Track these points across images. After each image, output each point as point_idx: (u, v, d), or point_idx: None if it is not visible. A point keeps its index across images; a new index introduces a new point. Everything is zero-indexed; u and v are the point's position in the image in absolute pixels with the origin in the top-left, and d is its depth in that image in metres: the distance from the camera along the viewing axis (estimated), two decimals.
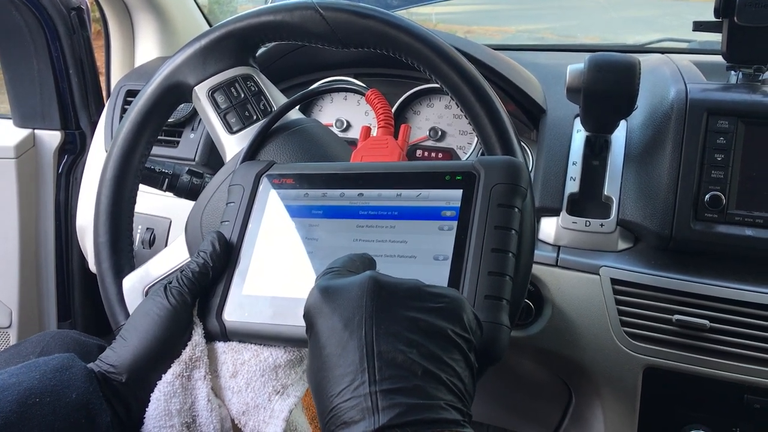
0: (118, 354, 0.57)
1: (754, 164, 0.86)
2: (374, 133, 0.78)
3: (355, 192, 0.63)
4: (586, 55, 0.86)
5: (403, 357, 0.42)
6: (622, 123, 0.97)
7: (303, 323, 0.57)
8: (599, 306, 0.89)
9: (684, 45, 1.39)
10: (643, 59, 1.02)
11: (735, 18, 0.88)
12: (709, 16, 0.93)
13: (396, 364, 0.42)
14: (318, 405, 0.45)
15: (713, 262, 0.88)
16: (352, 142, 0.98)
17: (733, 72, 0.96)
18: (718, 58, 0.97)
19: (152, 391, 0.57)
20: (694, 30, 0.95)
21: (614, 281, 0.88)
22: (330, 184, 0.64)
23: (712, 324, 0.85)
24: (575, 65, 0.87)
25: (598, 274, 0.89)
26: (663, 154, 0.89)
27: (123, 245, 0.76)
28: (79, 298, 1.49)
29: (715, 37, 0.95)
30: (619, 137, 0.96)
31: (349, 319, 0.45)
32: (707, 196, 0.85)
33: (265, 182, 0.67)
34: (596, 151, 0.96)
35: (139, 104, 0.76)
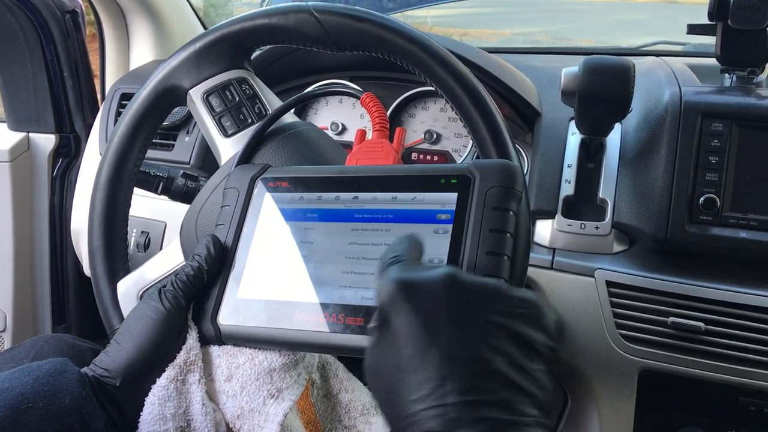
0: (112, 358, 0.57)
1: (749, 167, 0.86)
2: (369, 136, 0.78)
3: (350, 195, 0.62)
4: (581, 58, 0.86)
5: (489, 366, 0.40)
6: (617, 126, 0.97)
7: (297, 327, 0.57)
8: (594, 308, 0.89)
9: (678, 48, 1.39)
10: (638, 62, 1.02)
11: (729, 21, 0.88)
12: (703, 19, 0.93)
13: (484, 373, 0.40)
14: (389, 408, 0.42)
15: (708, 265, 0.88)
16: (348, 145, 0.99)
17: (727, 75, 0.96)
18: (713, 61, 0.97)
19: (146, 395, 0.57)
20: (688, 33, 0.96)
21: (609, 284, 0.89)
22: (325, 188, 0.64)
23: (707, 326, 0.85)
24: (570, 68, 0.87)
25: (594, 277, 0.89)
26: (658, 156, 0.89)
27: (117, 249, 0.76)
28: (73, 302, 1.49)
29: (710, 40, 0.95)
30: (614, 140, 0.96)
31: (432, 320, 0.42)
32: (702, 199, 0.86)
33: (260, 185, 0.67)
34: (591, 153, 0.96)
35: (133, 108, 0.75)
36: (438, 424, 0.38)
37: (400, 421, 0.41)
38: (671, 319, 0.85)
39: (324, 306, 0.57)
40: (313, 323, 0.57)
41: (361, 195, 0.62)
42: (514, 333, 0.42)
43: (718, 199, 0.85)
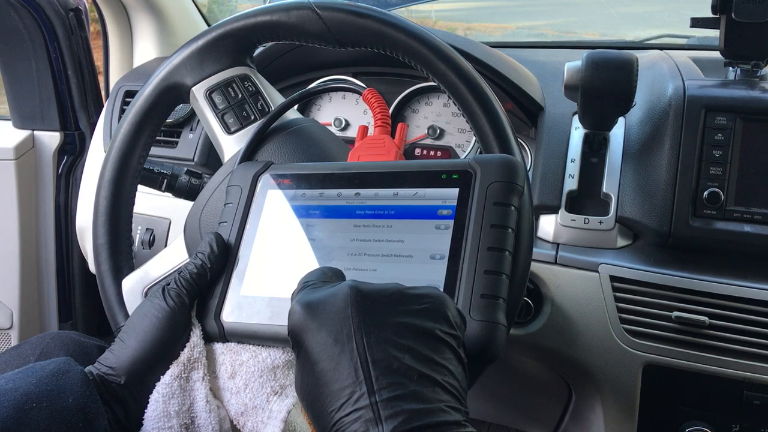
0: (117, 356, 0.58)
1: (753, 160, 0.86)
2: (371, 132, 0.78)
3: (352, 191, 0.63)
4: (584, 53, 0.86)
5: (398, 363, 0.43)
6: (621, 120, 0.97)
7: None
8: (598, 303, 0.89)
9: (683, 41, 1.39)
10: (641, 56, 1.02)
11: (732, 14, 0.87)
12: (708, 12, 0.92)
13: (391, 371, 0.42)
14: (317, 422, 0.44)
15: (712, 259, 0.88)
16: (351, 141, 0.98)
17: (731, 68, 0.96)
18: (717, 54, 0.96)
19: (151, 392, 0.58)
20: (691, 26, 0.95)
21: (613, 278, 0.88)
22: (327, 184, 0.64)
23: (711, 321, 0.85)
24: (573, 63, 0.87)
25: (597, 272, 0.89)
26: (661, 150, 0.89)
27: (122, 246, 0.76)
28: (80, 299, 1.50)
29: (714, 33, 0.94)
30: (617, 134, 0.96)
31: (339, 332, 0.44)
32: (706, 193, 0.85)
33: (262, 183, 0.67)
34: (595, 148, 0.96)
35: (136, 105, 0.76)
36: (358, 426, 0.41)
37: None
38: (675, 313, 0.85)
39: None
40: None
41: (363, 191, 0.62)
42: (418, 329, 0.45)
43: (722, 193, 0.85)
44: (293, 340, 0.48)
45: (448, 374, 0.44)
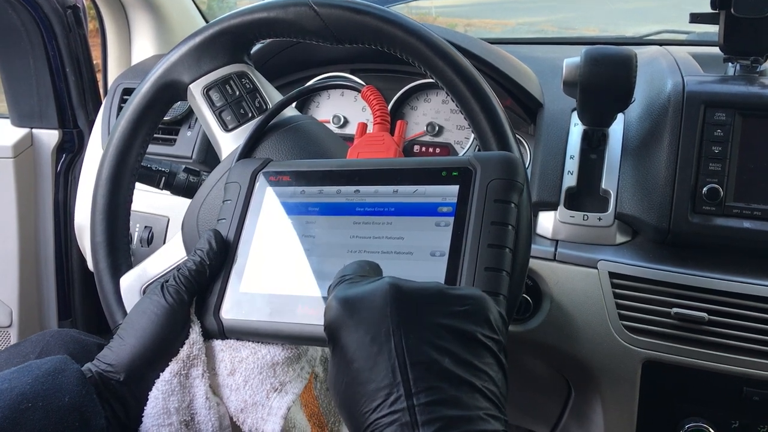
0: (116, 353, 0.58)
1: (752, 156, 0.85)
2: (370, 129, 0.78)
3: (351, 189, 0.62)
4: (583, 48, 0.86)
5: (437, 366, 0.42)
6: (620, 116, 0.97)
7: (300, 320, 0.57)
8: (597, 300, 0.89)
9: (682, 37, 1.39)
10: (641, 51, 1.02)
11: (732, 9, 0.87)
12: (707, 8, 0.92)
13: (430, 374, 0.41)
14: (351, 422, 0.43)
15: (712, 255, 0.88)
16: (350, 139, 0.98)
17: (730, 64, 0.96)
18: (716, 50, 0.96)
19: (150, 389, 0.58)
20: (690, 22, 0.95)
21: (612, 275, 0.88)
22: (326, 181, 0.64)
23: (710, 317, 0.84)
24: (572, 59, 0.87)
25: (596, 268, 0.89)
26: (660, 147, 0.89)
27: (120, 244, 0.76)
28: (79, 297, 1.50)
29: (714, 29, 0.94)
30: (616, 130, 0.96)
31: (377, 331, 0.43)
32: (705, 189, 0.85)
33: (261, 180, 0.67)
34: (594, 144, 0.95)
35: (134, 103, 0.75)
36: (393, 430, 0.40)
37: None
38: (674, 310, 0.85)
39: (326, 299, 0.57)
40: (316, 317, 0.57)
41: (363, 188, 0.62)
42: (459, 331, 0.43)
43: (721, 189, 0.85)
44: (329, 335, 0.46)
45: (488, 380, 0.43)
